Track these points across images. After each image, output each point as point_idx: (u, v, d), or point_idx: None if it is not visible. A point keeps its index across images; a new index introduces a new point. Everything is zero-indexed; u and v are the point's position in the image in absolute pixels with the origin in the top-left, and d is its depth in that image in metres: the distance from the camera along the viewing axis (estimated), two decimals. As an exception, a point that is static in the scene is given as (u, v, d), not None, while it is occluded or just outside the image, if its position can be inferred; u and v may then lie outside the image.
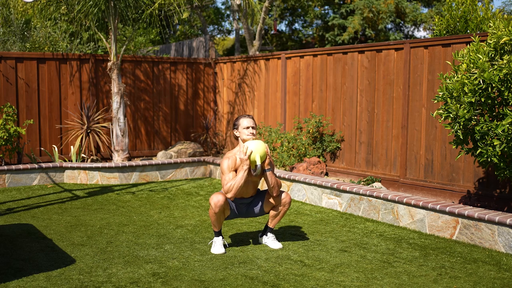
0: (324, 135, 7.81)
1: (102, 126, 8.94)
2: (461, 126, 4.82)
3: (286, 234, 5.33)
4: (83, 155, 8.72)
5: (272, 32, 22.43)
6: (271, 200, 4.78)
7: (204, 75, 10.08)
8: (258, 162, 4.52)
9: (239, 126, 4.71)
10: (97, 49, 11.53)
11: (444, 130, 6.21)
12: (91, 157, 8.80)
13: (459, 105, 4.78)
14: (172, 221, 5.83)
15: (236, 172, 4.62)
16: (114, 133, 8.57)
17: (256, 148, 4.53)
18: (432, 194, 6.36)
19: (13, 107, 8.02)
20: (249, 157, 4.51)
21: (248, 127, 4.67)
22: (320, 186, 6.69)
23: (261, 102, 9.05)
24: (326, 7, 23.20)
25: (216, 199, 4.55)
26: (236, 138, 4.80)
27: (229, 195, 4.54)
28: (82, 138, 8.72)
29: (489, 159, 4.74)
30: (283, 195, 4.76)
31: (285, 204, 4.78)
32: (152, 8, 8.58)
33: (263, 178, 5.12)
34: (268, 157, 4.64)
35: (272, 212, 4.85)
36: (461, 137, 4.88)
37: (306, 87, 8.17)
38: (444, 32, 6.97)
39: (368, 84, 7.20)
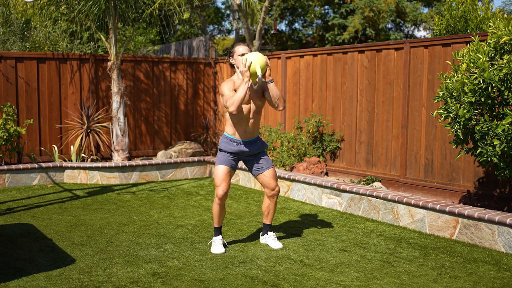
0: (324, 135, 7.81)
1: (102, 126, 8.94)
2: (461, 126, 4.82)
3: (286, 233, 5.33)
4: (83, 154, 8.72)
5: (272, 31, 22.44)
6: (265, 179, 4.76)
7: (204, 74, 10.08)
8: (259, 73, 4.44)
9: (234, 53, 4.70)
10: (97, 49, 11.53)
11: (444, 129, 6.21)
12: (91, 156, 8.80)
13: (459, 105, 4.78)
14: (172, 221, 5.83)
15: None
16: (114, 132, 8.57)
17: (256, 59, 4.46)
18: (432, 194, 6.36)
19: (13, 106, 8.02)
20: (249, 68, 4.46)
21: (243, 54, 4.64)
22: (320, 185, 6.69)
23: (261, 102, 9.04)
24: (326, 6, 23.20)
25: (221, 190, 4.59)
26: (232, 66, 4.77)
27: (231, 108, 4.48)
28: (82, 138, 8.72)
29: (489, 159, 4.74)
30: (274, 184, 4.76)
31: (273, 195, 4.79)
32: (152, 8, 8.58)
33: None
34: (268, 67, 4.58)
35: (264, 208, 4.89)
36: (461, 136, 4.88)
37: (306, 86, 8.17)
38: (444, 32, 6.97)
39: (368, 83, 7.20)
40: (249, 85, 4.61)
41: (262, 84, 4.58)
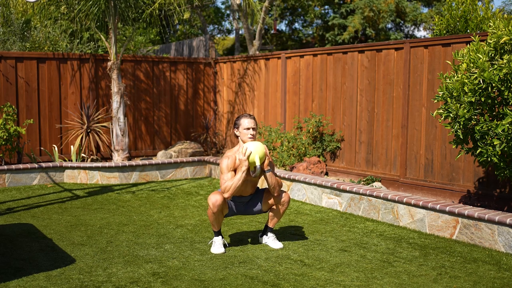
0: (324, 135, 7.81)
1: (102, 126, 8.94)
2: (461, 126, 4.82)
3: (286, 233, 5.33)
4: (83, 154, 8.72)
5: (272, 31, 22.43)
6: (270, 200, 4.78)
7: (204, 74, 10.08)
8: (258, 163, 4.51)
9: (239, 126, 4.70)
10: (97, 48, 11.53)
11: (444, 129, 6.21)
12: (91, 156, 8.80)
13: (459, 105, 4.78)
14: (172, 221, 5.83)
15: (235, 172, 4.61)
16: (114, 132, 8.57)
17: (255, 149, 4.51)
18: (432, 193, 6.36)
19: (13, 106, 8.02)
20: (248, 158, 4.50)
21: (248, 128, 4.66)
22: (320, 185, 6.69)
23: (261, 102, 9.05)
24: (326, 6, 23.19)
25: (214, 199, 4.55)
26: (237, 137, 4.79)
27: (226, 195, 4.54)
28: (82, 138, 8.72)
29: (489, 159, 4.74)
30: (283, 195, 4.75)
31: (283, 203, 4.77)
32: (152, 8, 8.58)
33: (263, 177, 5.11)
34: (267, 157, 4.63)
35: (271, 212, 4.85)
36: (461, 136, 4.88)
37: (306, 86, 8.17)
38: (444, 31, 6.97)
39: (368, 83, 7.20)
40: (247, 171, 4.63)
41: (259, 173, 4.62)
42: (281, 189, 4.82)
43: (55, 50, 10.48)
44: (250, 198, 4.84)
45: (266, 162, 4.62)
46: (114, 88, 8.52)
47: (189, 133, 9.92)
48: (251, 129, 4.66)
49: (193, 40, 13.14)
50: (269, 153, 4.72)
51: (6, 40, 10.21)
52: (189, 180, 8.50)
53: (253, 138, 4.67)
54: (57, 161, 8.35)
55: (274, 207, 4.82)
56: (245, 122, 4.68)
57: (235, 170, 4.63)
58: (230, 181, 4.52)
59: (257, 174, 4.56)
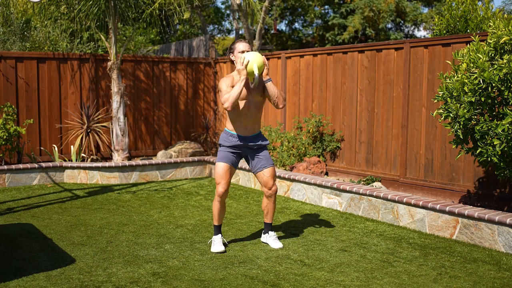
0: (324, 135, 7.81)
1: (102, 126, 8.94)
2: (461, 126, 4.82)
3: (286, 233, 5.33)
4: (83, 154, 8.72)
5: (272, 31, 22.43)
6: (264, 178, 4.75)
7: (204, 74, 10.08)
8: (256, 72, 4.49)
9: (235, 49, 4.74)
10: (97, 48, 11.53)
11: (444, 129, 6.21)
12: (91, 156, 8.80)
13: (459, 105, 4.78)
14: (172, 221, 5.83)
15: None
16: (114, 132, 8.57)
17: (253, 59, 4.50)
18: (432, 193, 6.36)
19: (13, 106, 8.02)
20: (246, 67, 4.50)
21: (243, 51, 4.68)
22: (320, 185, 6.69)
23: (261, 102, 9.04)
24: (326, 6, 23.20)
25: (222, 188, 4.62)
26: (232, 62, 4.81)
27: (226, 104, 4.53)
28: (82, 138, 8.72)
29: (489, 159, 4.74)
30: (271, 183, 4.75)
31: (271, 195, 4.78)
32: (152, 7, 8.58)
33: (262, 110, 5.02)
34: (266, 67, 4.62)
35: (263, 207, 4.90)
36: (461, 136, 4.88)
37: (306, 86, 8.17)
38: (444, 31, 6.97)
39: (368, 83, 7.20)
40: (247, 83, 4.64)
41: (258, 82, 4.62)
42: (275, 182, 4.82)
43: (55, 50, 10.48)
44: (257, 148, 4.79)
45: (265, 72, 4.63)
46: (114, 88, 8.52)
47: (189, 133, 9.92)
48: (246, 52, 4.67)
49: (193, 40, 13.14)
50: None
51: (6, 40, 10.21)
52: (189, 180, 8.51)
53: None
54: (57, 161, 8.35)
55: (263, 200, 4.85)
56: (240, 46, 4.72)
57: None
58: (230, 92, 4.54)
59: (256, 83, 4.55)
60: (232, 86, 4.63)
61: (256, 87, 4.68)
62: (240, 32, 19.00)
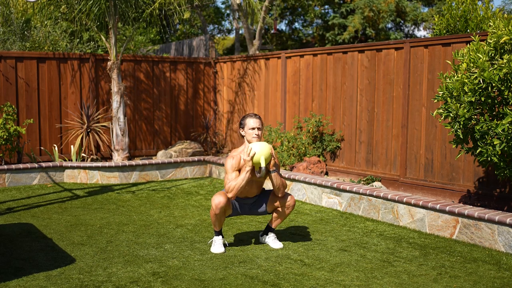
0: (324, 135, 7.81)
1: (102, 126, 8.94)
2: (461, 126, 4.82)
3: (286, 233, 5.33)
4: (83, 154, 8.72)
5: (272, 31, 22.43)
6: (276, 202, 4.76)
7: (204, 74, 10.08)
8: (263, 164, 4.45)
9: (245, 126, 4.67)
10: (97, 48, 11.53)
11: (444, 129, 6.21)
12: (91, 156, 8.80)
13: (459, 105, 4.77)
14: (172, 221, 5.83)
15: (239, 172, 4.59)
16: (114, 132, 8.57)
17: (261, 150, 4.46)
18: (432, 193, 6.36)
19: (13, 106, 8.02)
20: (252, 158, 4.47)
21: (254, 128, 4.63)
22: (320, 185, 6.69)
23: (261, 102, 9.05)
24: (326, 6, 23.19)
25: (218, 201, 4.53)
26: (242, 136, 4.76)
27: (230, 195, 4.52)
28: (82, 138, 8.72)
29: (489, 159, 4.74)
30: (288, 198, 4.73)
31: (289, 207, 4.75)
32: (153, 7, 8.58)
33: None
34: (273, 158, 4.61)
35: (275, 214, 4.84)
36: (461, 136, 4.88)
37: (306, 86, 8.17)
38: (444, 31, 6.97)
39: (368, 83, 7.20)
40: (252, 170, 4.60)
41: (264, 174, 4.57)
42: (287, 192, 4.80)
43: (55, 50, 10.48)
44: (256, 199, 4.83)
45: (272, 162, 4.59)
46: (114, 87, 8.52)
47: (189, 133, 9.92)
48: (256, 129, 4.63)
49: (193, 40, 13.14)
50: (275, 154, 4.68)
51: (6, 39, 10.21)
52: (189, 180, 8.51)
53: (258, 138, 4.63)
54: (57, 160, 8.35)
55: (279, 208, 4.80)
56: (251, 122, 4.65)
57: (239, 170, 4.60)
58: (234, 181, 4.50)
59: (262, 174, 4.52)
60: (239, 170, 4.58)
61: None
62: (240, 32, 19.00)
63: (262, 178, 4.65)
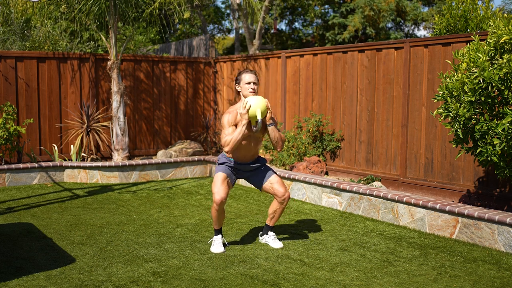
0: (324, 134, 7.81)
1: (102, 125, 8.94)
2: (461, 125, 4.82)
3: (286, 233, 5.33)
4: (83, 154, 8.72)
5: (272, 31, 22.43)
6: (272, 188, 4.74)
7: (204, 74, 10.08)
8: (259, 117, 4.46)
9: (240, 81, 4.69)
10: (97, 48, 11.53)
11: (444, 129, 6.21)
12: (91, 156, 8.80)
13: (459, 104, 4.77)
14: (172, 220, 5.83)
15: (236, 127, 4.59)
16: (114, 132, 8.57)
17: (256, 103, 4.47)
18: (432, 193, 6.36)
19: (13, 106, 8.02)
20: (248, 111, 4.47)
21: (249, 83, 4.65)
22: (320, 185, 6.69)
23: (261, 101, 9.04)
24: (326, 6, 23.20)
25: (219, 197, 4.54)
26: (238, 92, 4.77)
27: (226, 149, 4.53)
28: (82, 137, 8.72)
29: (489, 158, 4.74)
30: (283, 190, 4.72)
31: (283, 201, 4.74)
32: (153, 7, 8.57)
33: (264, 139, 5.00)
34: (269, 111, 4.61)
35: (270, 210, 4.85)
36: (461, 136, 4.88)
37: (306, 86, 8.17)
38: (444, 31, 6.97)
39: (368, 83, 7.20)
40: (249, 124, 4.60)
41: (260, 128, 4.58)
42: (286, 188, 4.80)
43: (55, 50, 10.48)
44: (256, 168, 4.80)
45: (268, 115, 4.61)
46: (114, 87, 8.52)
47: (189, 132, 9.92)
48: (251, 83, 4.64)
49: (193, 40, 13.14)
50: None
51: (6, 39, 10.20)
52: (189, 180, 8.51)
53: (254, 92, 4.65)
54: (57, 160, 8.35)
55: (274, 202, 4.80)
56: (246, 77, 4.67)
57: (236, 126, 4.59)
58: (230, 136, 4.51)
59: (258, 128, 4.53)
60: (235, 125, 4.59)
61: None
62: (240, 32, 19.00)
63: (259, 133, 4.65)
